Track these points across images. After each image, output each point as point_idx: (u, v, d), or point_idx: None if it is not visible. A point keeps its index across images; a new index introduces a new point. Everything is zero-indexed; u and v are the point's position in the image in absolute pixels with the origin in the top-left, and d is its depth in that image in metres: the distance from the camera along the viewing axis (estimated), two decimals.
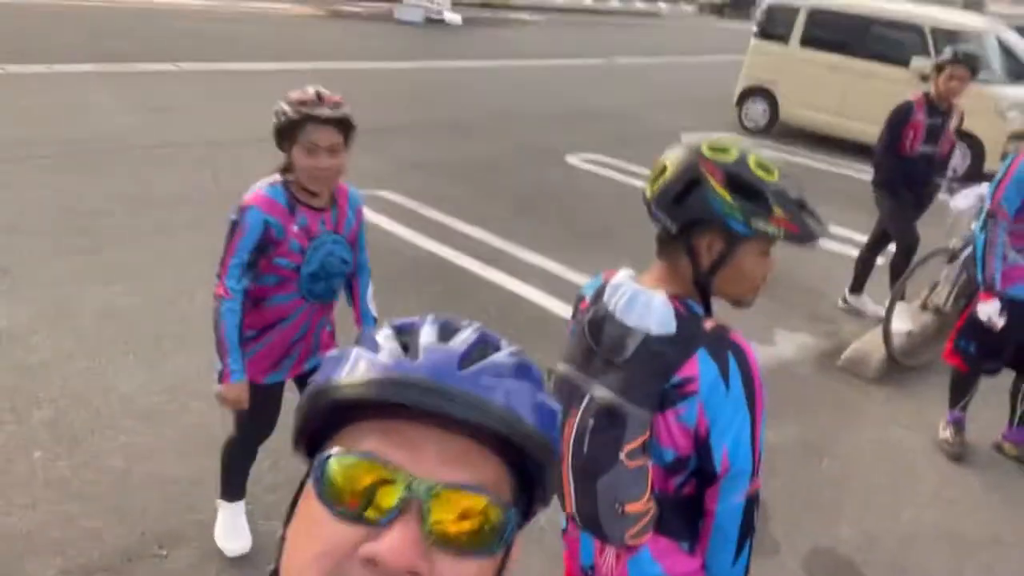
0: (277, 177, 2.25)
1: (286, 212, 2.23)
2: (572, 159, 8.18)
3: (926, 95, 4.55)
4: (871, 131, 5.41)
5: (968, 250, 3.95)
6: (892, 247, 4.90)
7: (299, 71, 10.18)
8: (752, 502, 1.39)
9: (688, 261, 1.43)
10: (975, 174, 8.13)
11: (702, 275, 1.43)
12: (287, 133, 2.14)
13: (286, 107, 2.12)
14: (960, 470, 3.59)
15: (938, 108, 4.52)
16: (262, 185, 2.25)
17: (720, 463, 1.36)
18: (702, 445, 1.37)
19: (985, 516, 3.29)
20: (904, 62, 8.75)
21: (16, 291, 4.11)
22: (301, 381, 2.51)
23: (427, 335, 0.58)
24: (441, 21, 18.26)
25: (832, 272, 5.39)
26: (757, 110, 10.56)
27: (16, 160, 5.97)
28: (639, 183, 7.47)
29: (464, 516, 0.52)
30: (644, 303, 1.39)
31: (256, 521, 2.73)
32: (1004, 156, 4.44)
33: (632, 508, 1.40)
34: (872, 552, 2.99)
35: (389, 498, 0.51)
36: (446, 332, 0.60)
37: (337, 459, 0.53)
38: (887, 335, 4.35)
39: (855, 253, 5.21)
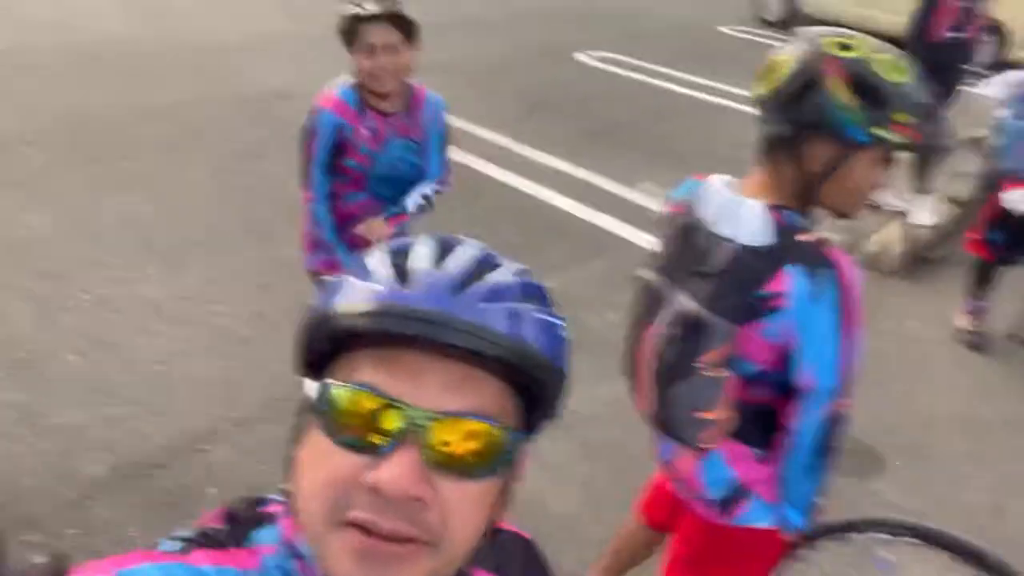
0: (350, 79, 2.23)
1: (356, 114, 2.22)
2: (581, 57, 7.93)
3: None
4: (900, 22, 5.20)
5: (996, 139, 3.86)
6: None
7: None
8: (834, 421, 1.35)
9: (794, 168, 1.32)
10: (999, 63, 7.88)
11: (809, 184, 1.32)
12: (347, 36, 2.13)
13: (344, 8, 2.10)
14: (977, 359, 3.64)
15: None
16: (334, 86, 2.25)
17: (804, 379, 1.31)
18: (786, 360, 1.32)
19: (1003, 402, 3.36)
20: None
21: (32, 202, 4.08)
22: None
23: (421, 258, 0.56)
24: None
25: None
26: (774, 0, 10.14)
27: (16, 68, 5.81)
28: (650, 79, 7.34)
29: (465, 441, 0.53)
30: (739, 212, 1.32)
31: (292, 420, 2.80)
32: None
33: (707, 415, 1.39)
34: (892, 438, 3.07)
35: (389, 427, 0.51)
36: (441, 253, 0.57)
37: (336, 390, 0.53)
38: (908, 228, 4.32)
39: None
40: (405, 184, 2.38)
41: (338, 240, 2.37)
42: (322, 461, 0.53)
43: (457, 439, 0.52)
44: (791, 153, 1.31)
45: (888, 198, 4.94)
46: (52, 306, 3.28)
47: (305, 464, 0.55)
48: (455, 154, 5.16)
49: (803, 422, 1.35)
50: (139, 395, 2.86)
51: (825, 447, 1.37)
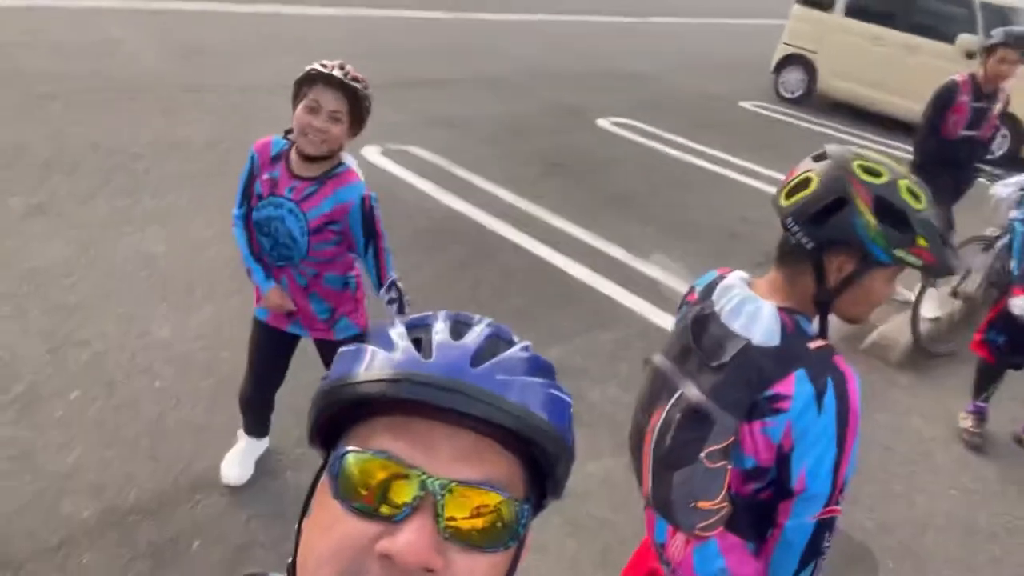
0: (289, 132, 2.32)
1: (269, 160, 2.31)
2: (602, 122, 8.07)
3: (972, 76, 4.42)
4: (912, 107, 5.30)
5: (1005, 239, 3.90)
6: None
7: (332, 17, 10.06)
8: (824, 526, 1.37)
9: (812, 277, 1.38)
10: (1014, 157, 7.95)
11: (826, 294, 1.39)
12: (298, 88, 2.17)
13: (309, 66, 2.16)
14: (978, 460, 3.60)
15: (984, 91, 4.40)
16: (278, 132, 2.36)
17: (797, 482, 1.34)
18: (782, 461, 1.35)
19: (1000, 507, 3.31)
20: (950, 38, 8.51)
21: (53, 230, 4.16)
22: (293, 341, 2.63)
23: (440, 332, 0.59)
24: None
25: None
26: (794, 79, 10.35)
27: (52, 96, 5.99)
28: (668, 149, 7.46)
29: (478, 512, 0.53)
30: (752, 311, 1.38)
31: (284, 473, 2.81)
32: None
33: (704, 505, 1.41)
34: (887, 537, 3.03)
35: (404, 494, 0.52)
36: (459, 329, 0.60)
37: (353, 456, 0.55)
38: (915, 321, 4.32)
39: None
40: (281, 248, 2.32)
41: (255, 264, 2.43)
42: (334, 528, 0.53)
43: (470, 509, 0.53)
44: (811, 263, 1.38)
45: (898, 290, 4.96)
46: (60, 340, 3.32)
47: (315, 531, 0.56)
48: (469, 210, 5.32)
49: (794, 523, 1.37)
50: (136, 438, 2.87)
51: (814, 551, 1.39)
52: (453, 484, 0.53)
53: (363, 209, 2.25)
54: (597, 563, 2.67)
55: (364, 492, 0.53)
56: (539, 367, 0.60)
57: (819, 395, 1.30)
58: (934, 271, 1.36)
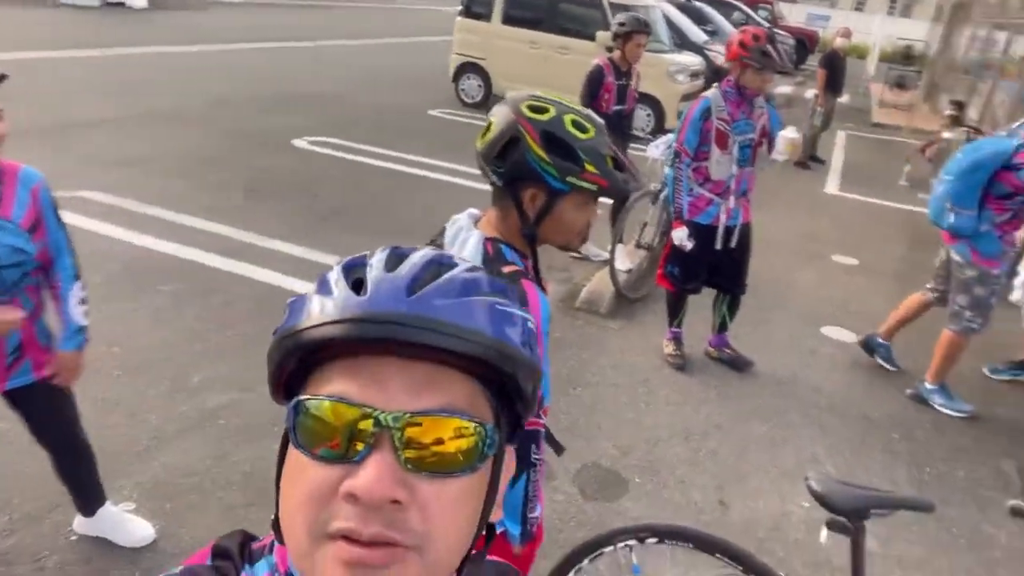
0: None
1: None
2: (299, 143, 7.96)
3: (611, 59, 5.14)
4: (571, 99, 6.03)
5: (666, 191, 4.61)
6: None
7: None
8: (529, 438, 1.49)
9: (516, 212, 1.51)
10: (659, 129, 9.39)
11: (527, 225, 1.52)
12: None
13: None
14: (684, 376, 4.23)
15: (622, 70, 5.15)
16: None
17: None
18: None
19: (707, 409, 3.93)
20: (591, 36, 9.77)
21: None
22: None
23: (375, 269, 0.58)
24: (121, 3, 16.44)
25: None
26: (473, 85, 11.11)
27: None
28: (371, 161, 7.60)
29: (437, 440, 0.53)
30: (463, 240, 1.53)
31: None
32: (679, 114, 5.22)
33: None
34: (628, 459, 3.43)
35: (360, 434, 0.52)
36: (394, 261, 0.59)
37: (306, 404, 0.55)
38: (613, 274, 4.93)
39: None
40: (4, 272, 2.05)
41: None
42: (300, 477, 0.53)
43: (429, 437, 0.53)
44: (511, 198, 1.51)
45: (594, 251, 5.62)
46: None
47: (287, 483, 0.55)
48: (173, 248, 4.92)
49: None
50: None
51: (523, 462, 1.51)
52: (407, 415, 0.52)
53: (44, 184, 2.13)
54: None
55: (322, 438, 0.53)
56: (483, 285, 0.58)
57: None
58: (609, 193, 1.52)
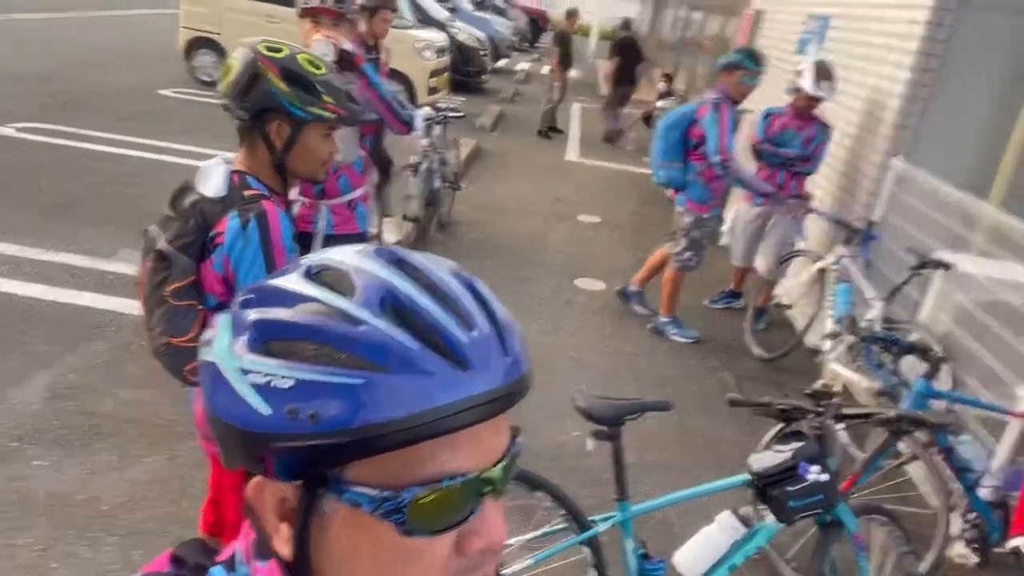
0: None
1: None
2: (6, 130, 6.94)
3: (360, 34, 5.14)
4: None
5: (426, 163, 4.78)
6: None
7: None
8: None
9: (263, 145, 1.67)
10: (411, 102, 9.54)
11: (276, 156, 1.68)
12: None
13: None
14: None
15: (369, 44, 5.18)
16: None
17: None
18: (231, 290, 1.63)
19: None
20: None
21: None
22: None
23: (454, 329, 0.51)
24: None
25: None
26: (208, 62, 10.36)
27: None
28: (99, 147, 6.89)
29: (509, 468, 0.56)
30: (208, 172, 1.64)
31: None
32: (431, 90, 5.36)
33: (176, 341, 1.61)
34: None
35: (475, 498, 0.53)
36: (459, 312, 0.52)
37: (424, 495, 0.50)
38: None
39: None
40: None
41: None
42: (418, 559, 0.52)
43: (510, 470, 0.56)
44: (258, 133, 1.67)
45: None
46: None
47: (374, 568, 0.52)
48: None
49: None
50: None
51: None
52: (503, 462, 0.54)
53: None
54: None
55: (447, 518, 0.51)
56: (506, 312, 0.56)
57: (243, 226, 1.62)
58: (345, 121, 1.75)
